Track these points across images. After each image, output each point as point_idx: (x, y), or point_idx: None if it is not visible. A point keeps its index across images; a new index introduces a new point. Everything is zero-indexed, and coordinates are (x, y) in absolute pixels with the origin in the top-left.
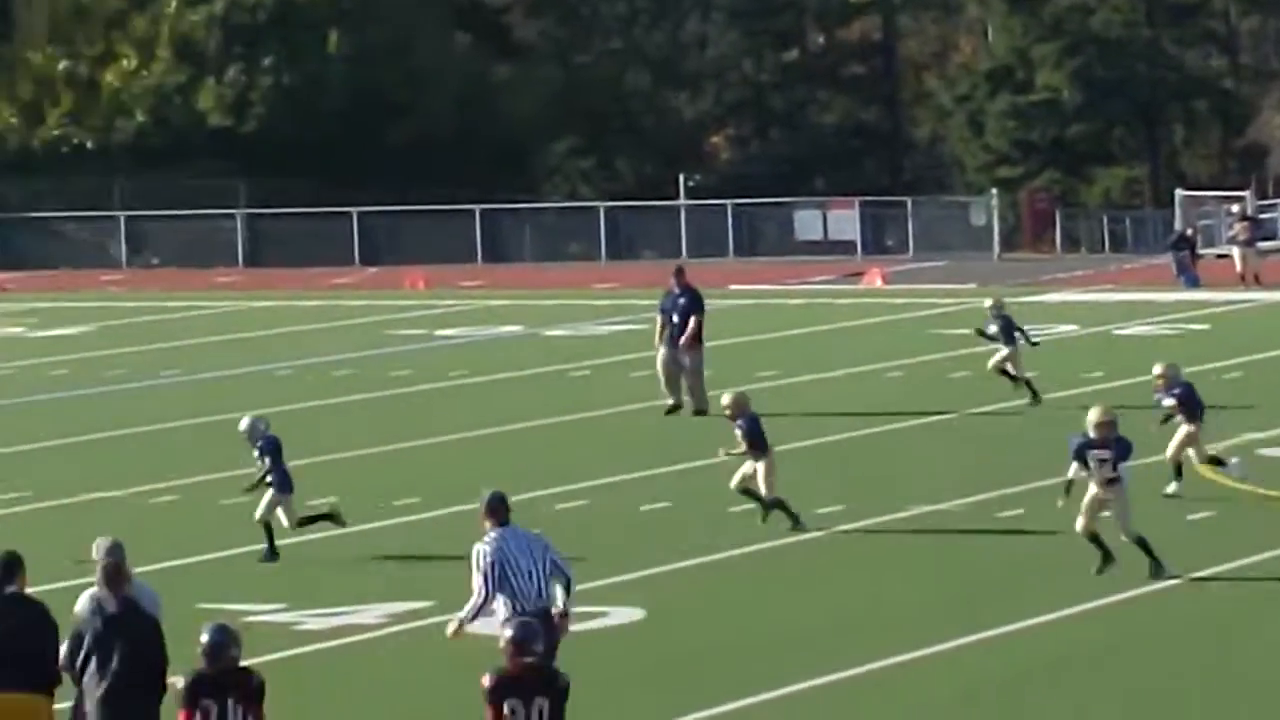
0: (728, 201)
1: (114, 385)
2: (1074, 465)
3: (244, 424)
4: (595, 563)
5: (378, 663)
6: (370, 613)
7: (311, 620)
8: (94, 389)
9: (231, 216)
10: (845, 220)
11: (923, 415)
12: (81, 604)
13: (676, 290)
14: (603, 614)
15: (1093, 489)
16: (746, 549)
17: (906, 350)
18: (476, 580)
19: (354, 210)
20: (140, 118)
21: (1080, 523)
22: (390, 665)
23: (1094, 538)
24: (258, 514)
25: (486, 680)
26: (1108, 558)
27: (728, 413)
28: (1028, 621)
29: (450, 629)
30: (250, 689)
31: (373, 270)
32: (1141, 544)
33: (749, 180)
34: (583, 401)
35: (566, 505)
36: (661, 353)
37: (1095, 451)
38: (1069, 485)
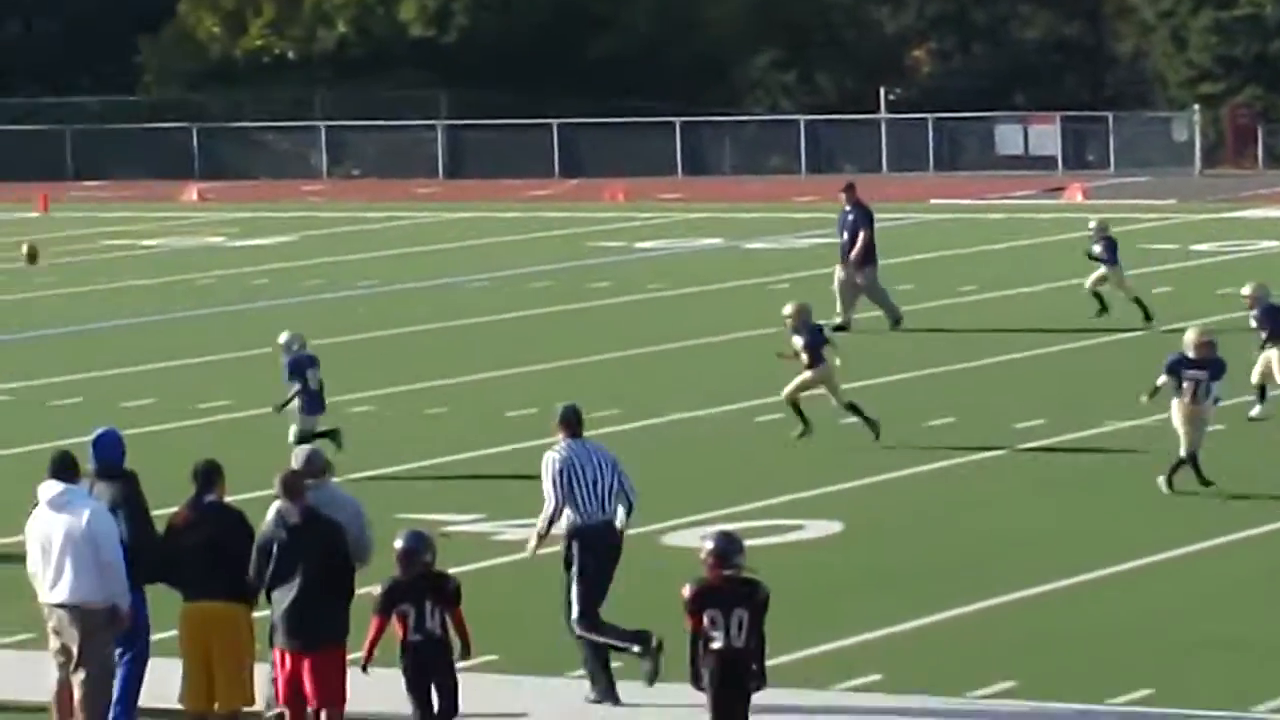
0: (928, 115)
1: (313, 295)
2: (1164, 377)
3: (281, 338)
4: (793, 476)
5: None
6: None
7: (509, 530)
8: (293, 299)
9: (432, 128)
10: (1046, 135)
11: (1122, 330)
12: (267, 517)
13: (846, 207)
14: (799, 527)
15: (1178, 408)
16: (944, 463)
17: None
18: (546, 488)
19: (554, 122)
20: (342, 28)
21: (1184, 444)
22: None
23: (1192, 458)
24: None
25: (687, 591)
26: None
27: (789, 322)
28: (1230, 537)
29: (529, 545)
30: (447, 592)
31: (572, 182)
32: (1194, 461)
33: (950, 94)
34: (780, 315)
35: (765, 418)
36: (837, 270)
37: (1191, 371)
38: (1155, 390)
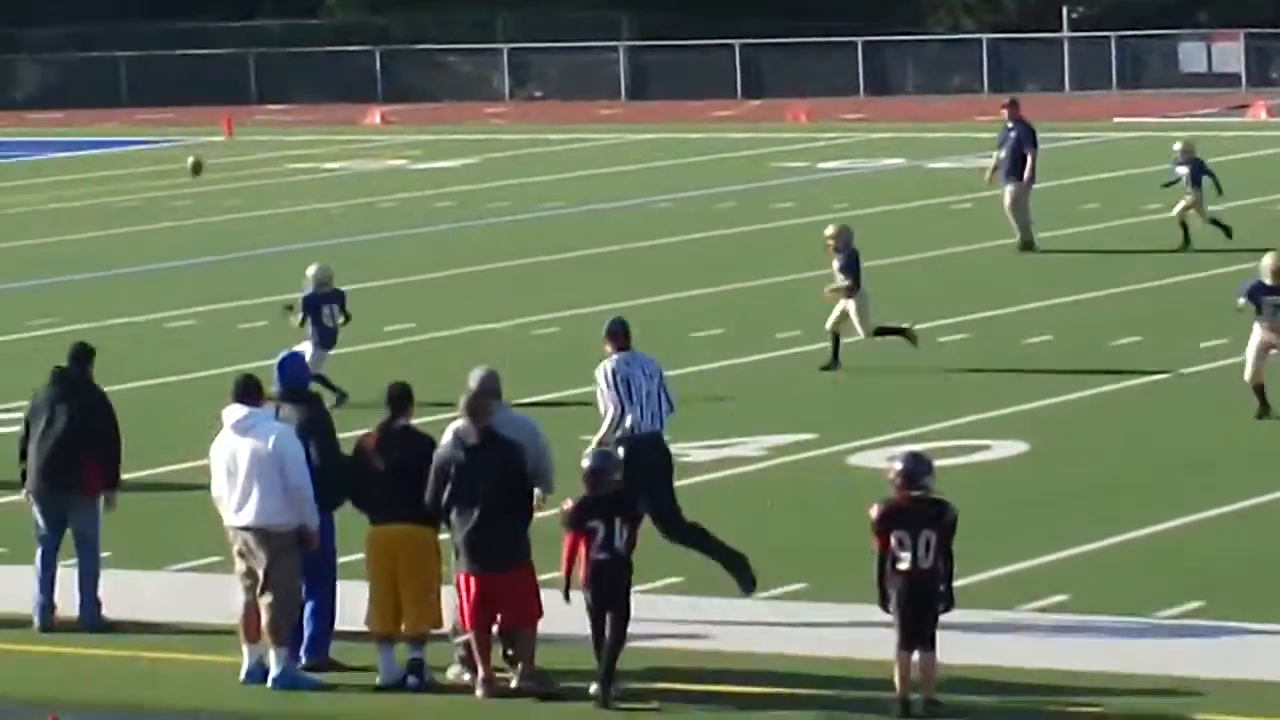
0: (1111, 34)
1: (496, 218)
2: (1242, 300)
3: (309, 270)
4: (978, 396)
5: (761, 494)
6: (753, 445)
7: (695, 451)
8: (476, 221)
9: (614, 49)
10: (1230, 53)
11: None
12: (444, 438)
13: (1009, 123)
14: (985, 447)
15: (1259, 333)
16: (1129, 382)
17: None
18: (609, 397)
19: (736, 42)
20: None
21: (1248, 371)
22: (773, 497)
23: (1259, 389)
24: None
25: (874, 511)
26: (1266, 408)
27: (831, 243)
28: None
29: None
30: (634, 512)
31: (755, 103)
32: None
33: (1133, 11)
34: (964, 234)
35: (949, 338)
36: (1006, 192)
37: (1270, 297)
38: (1241, 308)
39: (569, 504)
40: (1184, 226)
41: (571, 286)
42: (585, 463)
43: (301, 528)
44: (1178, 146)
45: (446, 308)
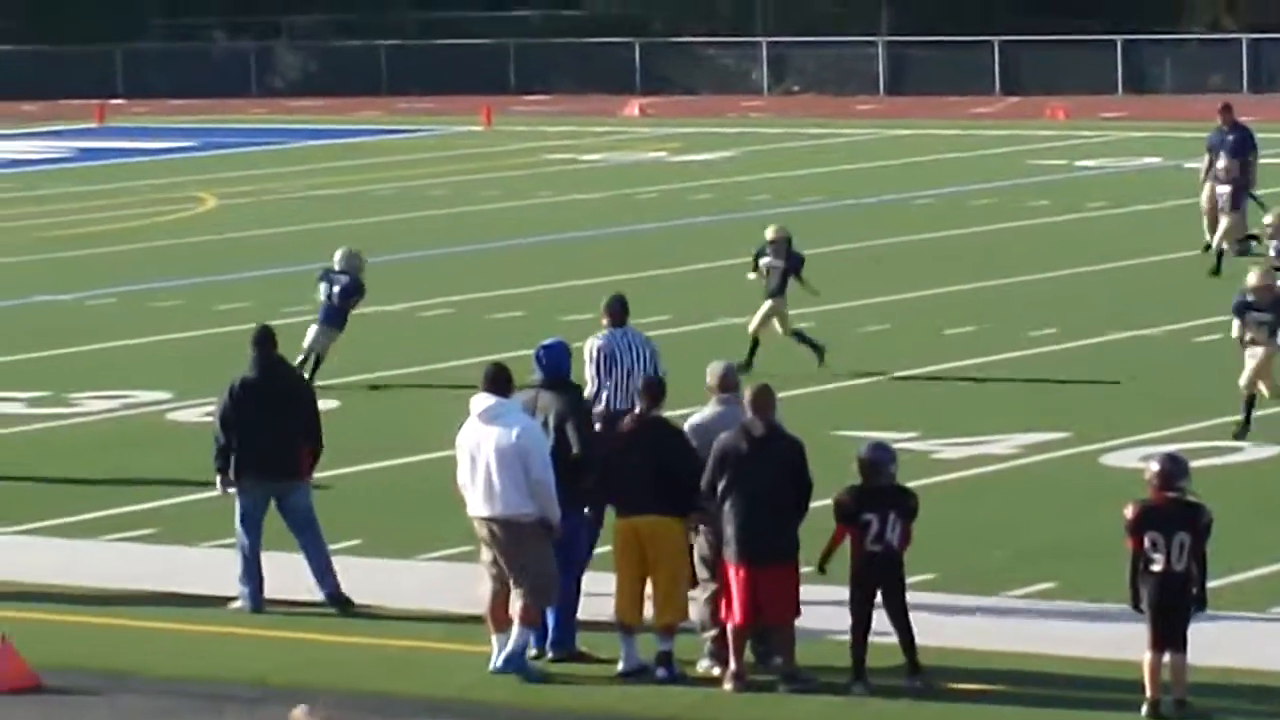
0: None
1: (757, 211)
2: (1235, 322)
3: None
4: (1230, 398)
5: (1013, 492)
6: (1005, 443)
7: (946, 449)
8: (737, 214)
9: (873, 44)
10: None
11: None
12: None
13: (1225, 127)
14: (1238, 449)
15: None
16: None
17: None
18: (589, 371)
19: (995, 39)
20: None
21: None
22: (1026, 495)
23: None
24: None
25: (1129, 511)
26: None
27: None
28: None
29: None
30: (909, 506)
31: (1013, 100)
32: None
33: None
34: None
35: (1204, 339)
36: (1206, 191)
37: (1254, 314)
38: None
39: (841, 495)
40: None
41: (832, 279)
42: (862, 453)
43: (543, 519)
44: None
45: (705, 299)
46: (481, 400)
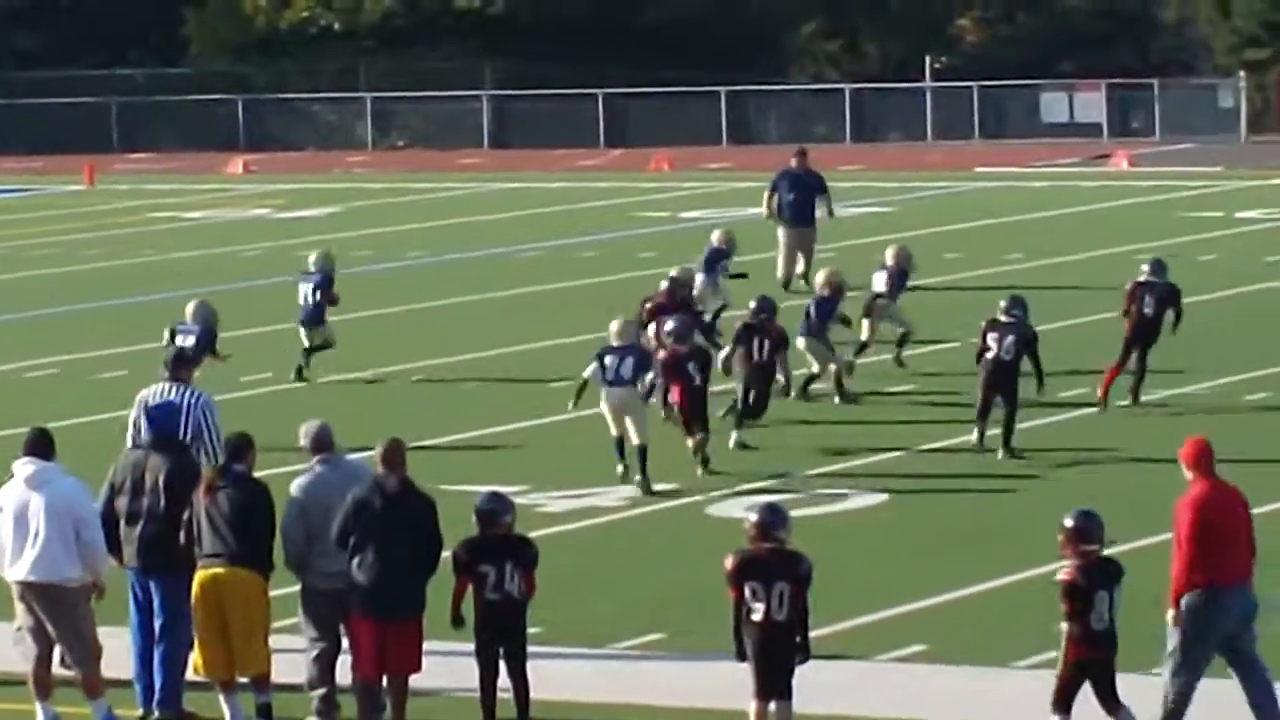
0: (974, 84)
1: (360, 266)
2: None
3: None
4: (837, 447)
5: (619, 544)
6: (613, 494)
7: (553, 503)
8: (340, 270)
9: (477, 98)
10: (1092, 103)
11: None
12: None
13: (798, 169)
14: (844, 496)
15: None
16: (991, 431)
17: (1152, 233)
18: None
19: (599, 91)
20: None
21: None
22: (631, 547)
23: None
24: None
25: (729, 562)
26: None
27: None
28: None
29: None
30: (526, 556)
31: (618, 152)
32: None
33: (995, 62)
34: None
35: (812, 389)
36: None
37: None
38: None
39: (459, 547)
40: None
41: (435, 335)
42: (477, 504)
43: (95, 582)
44: None
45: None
46: (25, 465)
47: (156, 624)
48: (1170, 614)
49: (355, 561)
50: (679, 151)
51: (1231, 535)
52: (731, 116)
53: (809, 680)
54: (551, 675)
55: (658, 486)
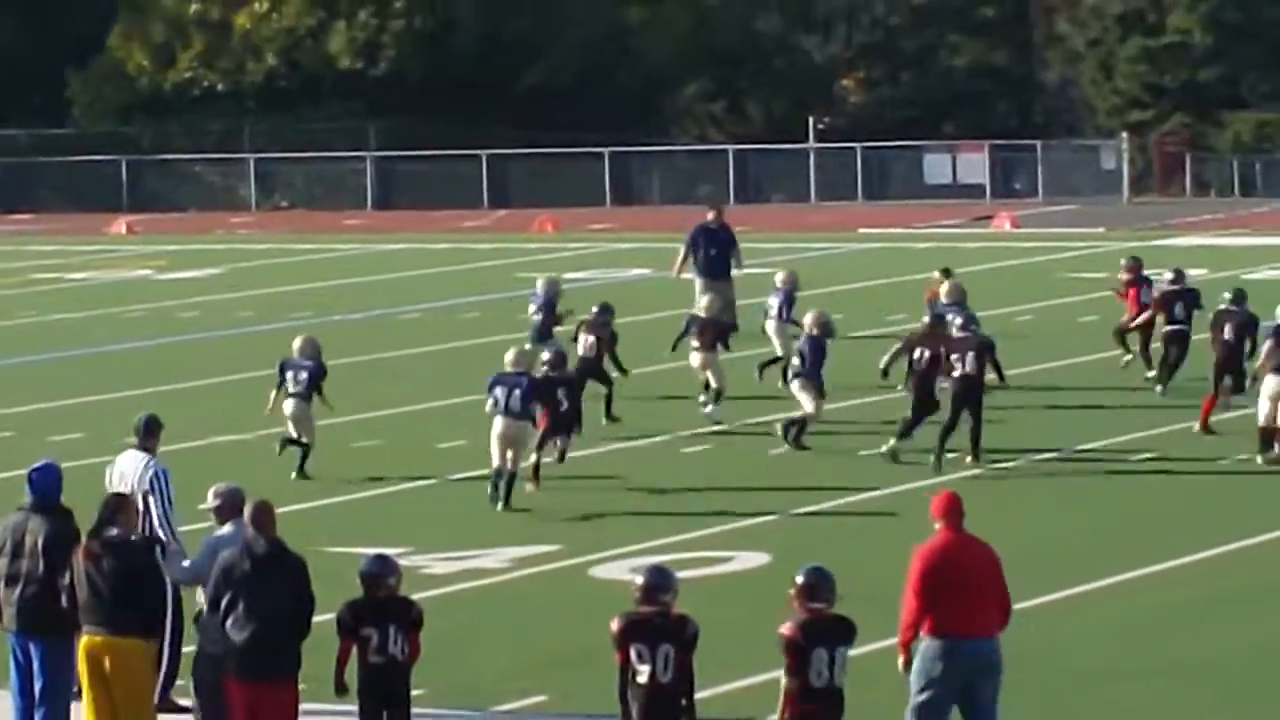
0: (857, 145)
1: (243, 328)
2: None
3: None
4: (721, 507)
5: (503, 606)
6: (496, 556)
7: (437, 564)
8: (223, 331)
9: (361, 159)
10: (975, 163)
11: (1052, 359)
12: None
13: (714, 225)
14: (728, 559)
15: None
16: (875, 493)
17: (1036, 294)
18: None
19: (483, 153)
20: (271, 60)
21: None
22: (516, 608)
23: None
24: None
25: (614, 624)
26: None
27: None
28: (1172, 562)
29: None
30: (411, 618)
31: (502, 213)
32: None
33: (878, 123)
34: None
35: (692, 449)
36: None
37: None
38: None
39: (342, 610)
40: None
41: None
42: (362, 567)
43: None
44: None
45: (194, 417)
46: None
47: (37, 687)
48: (899, 661)
49: (228, 623)
50: (562, 213)
51: (971, 588)
52: (615, 177)
53: None
54: None
55: (542, 548)
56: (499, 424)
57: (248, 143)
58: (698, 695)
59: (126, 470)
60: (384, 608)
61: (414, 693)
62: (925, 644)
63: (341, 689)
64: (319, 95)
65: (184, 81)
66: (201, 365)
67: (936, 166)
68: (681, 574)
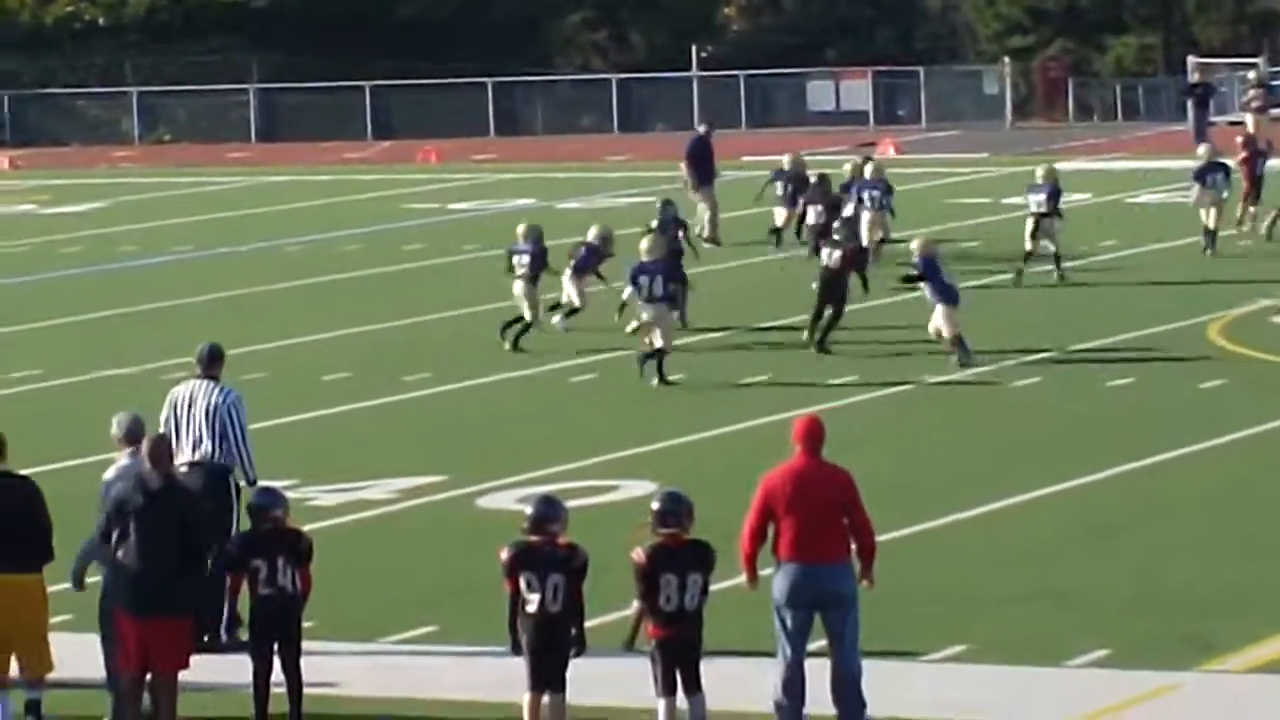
0: (740, 73)
1: (126, 262)
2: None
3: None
4: (607, 437)
5: (390, 537)
6: (382, 487)
7: (322, 496)
8: (106, 265)
9: (244, 91)
10: (858, 90)
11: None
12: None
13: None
14: (614, 488)
15: None
16: (757, 420)
17: (920, 220)
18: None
19: (366, 84)
20: None
21: None
22: (403, 540)
23: None
24: None
25: (504, 554)
26: None
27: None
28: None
29: None
30: (300, 549)
31: (385, 144)
32: None
33: (761, 51)
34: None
35: (579, 379)
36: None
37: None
38: None
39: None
40: None
41: (202, 330)
42: (251, 499)
43: None
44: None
45: (76, 353)
46: None
47: None
48: (743, 580)
49: (119, 555)
50: (446, 144)
51: (814, 514)
52: (498, 108)
53: (584, 672)
54: (325, 670)
55: (429, 479)
56: (647, 311)
57: (130, 76)
58: (586, 624)
59: (198, 397)
60: (272, 540)
61: (304, 625)
62: (776, 569)
63: (234, 623)
64: (202, 28)
65: (65, 16)
66: (86, 299)
67: (820, 94)
68: (570, 503)
